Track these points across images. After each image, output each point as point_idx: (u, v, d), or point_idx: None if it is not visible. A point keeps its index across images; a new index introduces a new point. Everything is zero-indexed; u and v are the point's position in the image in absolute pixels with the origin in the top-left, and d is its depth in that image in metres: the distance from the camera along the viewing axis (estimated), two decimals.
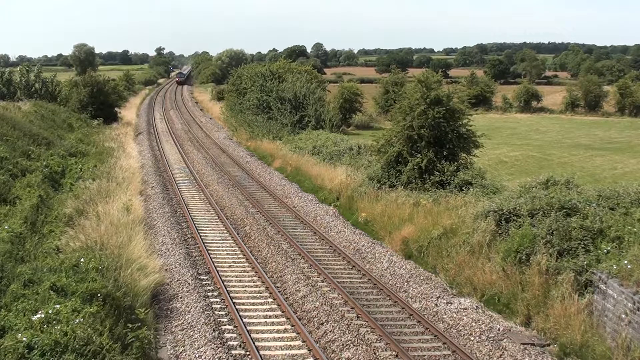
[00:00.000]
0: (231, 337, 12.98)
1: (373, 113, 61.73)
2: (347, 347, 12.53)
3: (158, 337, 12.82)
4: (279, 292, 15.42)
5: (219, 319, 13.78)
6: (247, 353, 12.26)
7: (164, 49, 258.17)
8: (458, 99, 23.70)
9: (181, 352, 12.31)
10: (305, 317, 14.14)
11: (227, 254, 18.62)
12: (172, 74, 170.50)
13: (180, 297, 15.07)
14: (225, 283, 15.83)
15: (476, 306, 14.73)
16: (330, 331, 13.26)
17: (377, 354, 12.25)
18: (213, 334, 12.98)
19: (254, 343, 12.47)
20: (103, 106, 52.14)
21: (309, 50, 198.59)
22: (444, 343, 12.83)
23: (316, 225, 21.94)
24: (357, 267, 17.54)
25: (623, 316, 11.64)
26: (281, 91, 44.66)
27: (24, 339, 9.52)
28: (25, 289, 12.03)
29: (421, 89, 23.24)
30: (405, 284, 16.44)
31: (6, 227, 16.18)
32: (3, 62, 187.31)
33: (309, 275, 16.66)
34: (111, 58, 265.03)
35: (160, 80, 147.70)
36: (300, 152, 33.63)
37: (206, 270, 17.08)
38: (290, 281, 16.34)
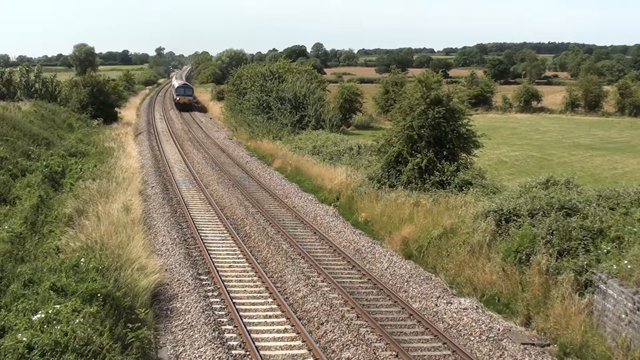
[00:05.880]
0: (231, 337, 12.99)
1: (373, 113, 61.67)
2: (347, 347, 12.53)
3: (158, 337, 12.82)
4: (279, 292, 15.42)
5: (219, 319, 13.78)
6: (247, 353, 12.26)
7: (164, 49, 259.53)
8: (458, 99, 23.68)
9: (181, 352, 12.32)
10: (305, 317, 14.14)
11: (227, 254, 18.62)
12: (172, 74, 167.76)
13: (180, 297, 15.07)
14: (225, 283, 15.83)
15: (476, 306, 14.74)
16: (330, 331, 13.26)
17: (377, 354, 12.25)
18: (213, 334, 12.98)
19: (254, 343, 12.48)
20: (103, 106, 52.20)
21: (309, 50, 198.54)
22: (444, 343, 12.84)
23: (316, 225, 21.94)
24: (357, 267, 17.54)
25: (623, 316, 11.64)
26: (281, 91, 44.64)
27: (24, 339, 9.54)
28: (25, 289, 12.05)
29: (421, 89, 23.24)
30: (405, 284, 16.44)
31: (6, 227, 16.19)
32: (3, 62, 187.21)
33: (309, 275, 16.66)
34: (111, 58, 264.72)
35: (160, 81, 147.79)
36: (300, 152, 33.61)
37: (206, 270, 17.08)
38: (290, 281, 16.33)
